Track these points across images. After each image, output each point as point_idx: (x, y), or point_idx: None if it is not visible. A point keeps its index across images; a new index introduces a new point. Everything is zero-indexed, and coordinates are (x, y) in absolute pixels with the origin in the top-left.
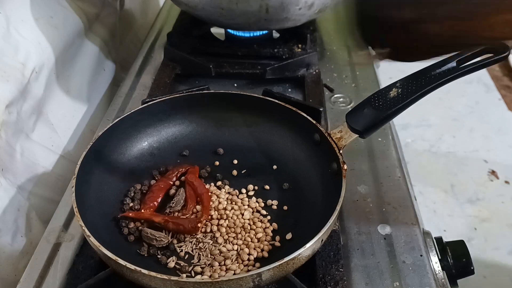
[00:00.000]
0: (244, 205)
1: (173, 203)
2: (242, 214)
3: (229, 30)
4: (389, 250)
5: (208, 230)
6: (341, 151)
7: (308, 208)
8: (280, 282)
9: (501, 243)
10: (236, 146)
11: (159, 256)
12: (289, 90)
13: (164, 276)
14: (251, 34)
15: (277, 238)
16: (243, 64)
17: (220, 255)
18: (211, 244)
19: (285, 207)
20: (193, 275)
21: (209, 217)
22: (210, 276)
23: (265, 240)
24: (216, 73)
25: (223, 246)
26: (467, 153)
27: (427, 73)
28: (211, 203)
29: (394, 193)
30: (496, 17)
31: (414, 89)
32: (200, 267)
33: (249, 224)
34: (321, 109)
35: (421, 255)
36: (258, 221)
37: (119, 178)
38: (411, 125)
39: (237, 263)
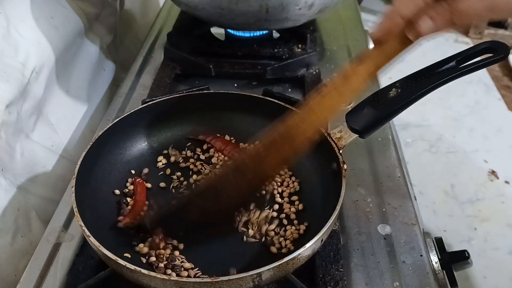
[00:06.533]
0: None
1: None
2: None
3: (229, 30)
4: (389, 250)
5: None
6: (341, 151)
7: (308, 208)
8: (280, 282)
9: (501, 243)
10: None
11: None
12: (289, 90)
13: (164, 276)
14: (251, 34)
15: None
16: (243, 64)
17: None
18: None
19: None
20: None
21: None
22: None
23: None
24: (216, 73)
25: None
26: (467, 153)
27: (426, 73)
28: None
29: (394, 193)
30: None
31: (413, 89)
32: None
33: None
34: None
35: (421, 255)
36: None
37: (119, 178)
38: (411, 125)
39: None
